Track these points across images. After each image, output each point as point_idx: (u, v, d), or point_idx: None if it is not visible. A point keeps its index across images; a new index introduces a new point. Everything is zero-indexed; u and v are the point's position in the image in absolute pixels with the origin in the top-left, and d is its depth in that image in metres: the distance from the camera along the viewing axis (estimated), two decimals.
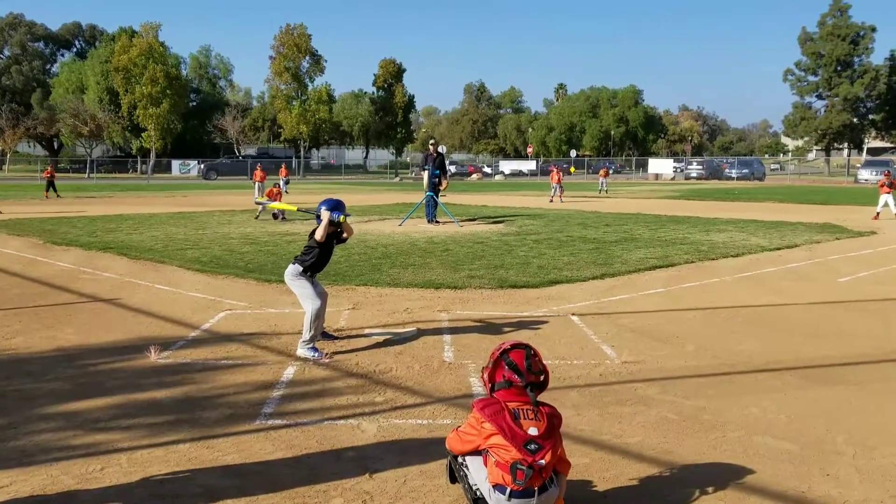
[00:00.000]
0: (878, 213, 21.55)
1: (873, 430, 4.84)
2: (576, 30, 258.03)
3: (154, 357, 6.46)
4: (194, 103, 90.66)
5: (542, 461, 3.38)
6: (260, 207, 21.99)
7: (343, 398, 5.48)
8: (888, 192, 21.52)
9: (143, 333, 7.39)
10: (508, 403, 3.50)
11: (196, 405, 5.30)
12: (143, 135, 75.67)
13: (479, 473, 3.54)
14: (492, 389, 3.60)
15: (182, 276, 10.94)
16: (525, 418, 3.45)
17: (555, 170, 34.02)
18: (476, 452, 3.57)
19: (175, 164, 76.42)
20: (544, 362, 3.71)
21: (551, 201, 30.95)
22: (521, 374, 3.50)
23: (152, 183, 55.99)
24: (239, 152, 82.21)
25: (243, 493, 3.93)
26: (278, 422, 4.97)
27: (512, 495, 3.38)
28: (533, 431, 3.42)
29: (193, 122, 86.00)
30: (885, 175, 22.25)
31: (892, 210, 21.20)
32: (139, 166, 76.81)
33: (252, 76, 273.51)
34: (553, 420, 3.52)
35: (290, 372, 6.10)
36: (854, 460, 4.38)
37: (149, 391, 5.61)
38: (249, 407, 5.26)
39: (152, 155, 76.25)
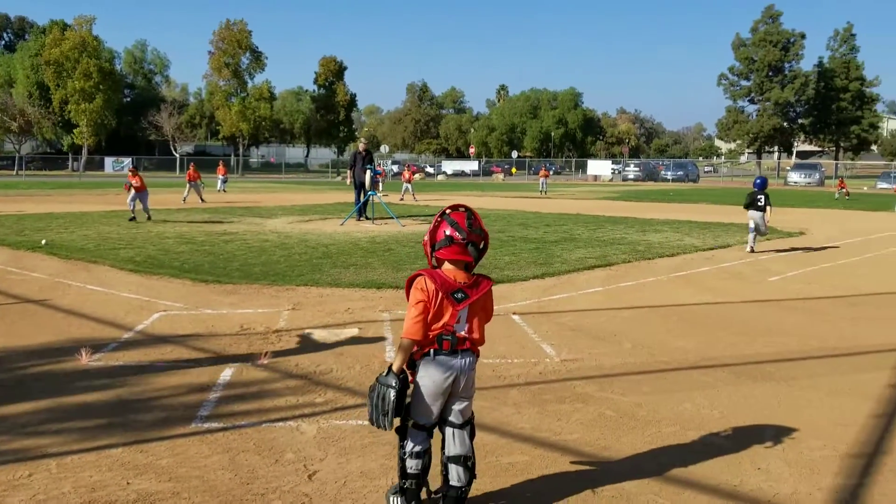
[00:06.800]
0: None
1: (801, 425, 5.01)
2: (517, 31, 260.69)
3: (85, 360, 6.27)
4: (128, 99, 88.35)
5: (464, 331, 3.56)
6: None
7: (282, 399, 5.41)
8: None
9: (74, 335, 7.16)
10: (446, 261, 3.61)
11: (129, 408, 5.16)
12: (74, 131, 73.41)
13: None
14: (432, 249, 3.63)
15: (115, 276, 10.64)
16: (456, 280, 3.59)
17: (406, 169, 35.97)
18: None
19: (108, 160, 74.32)
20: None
21: (402, 199, 31.40)
22: (461, 231, 3.55)
23: (84, 180, 54.33)
24: (175, 149, 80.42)
25: (179, 498, 3.84)
26: (215, 424, 4.87)
27: (436, 354, 3.56)
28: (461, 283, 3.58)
29: (128, 119, 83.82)
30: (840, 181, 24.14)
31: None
32: (71, 163, 74.47)
33: (189, 72, 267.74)
34: (481, 281, 3.63)
35: (227, 374, 5.98)
36: (784, 454, 4.52)
37: (80, 394, 5.43)
38: (185, 410, 5.14)
39: (84, 151, 74.07)
